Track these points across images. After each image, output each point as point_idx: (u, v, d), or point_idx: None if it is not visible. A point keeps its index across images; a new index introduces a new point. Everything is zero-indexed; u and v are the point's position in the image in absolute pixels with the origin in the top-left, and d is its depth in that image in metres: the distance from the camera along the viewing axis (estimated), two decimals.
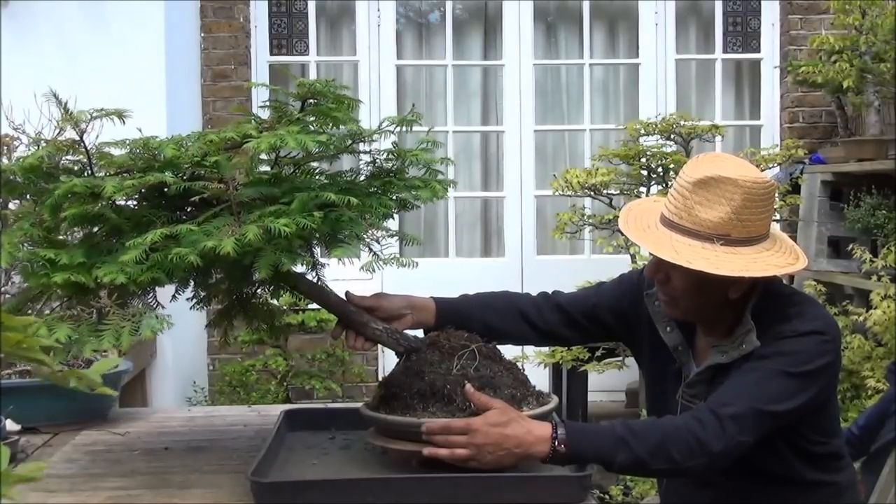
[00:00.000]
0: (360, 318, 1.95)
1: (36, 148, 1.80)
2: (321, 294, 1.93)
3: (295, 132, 1.70)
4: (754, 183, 1.85)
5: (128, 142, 1.78)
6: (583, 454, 1.78)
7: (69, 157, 1.81)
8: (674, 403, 2.02)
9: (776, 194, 1.93)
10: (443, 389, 1.81)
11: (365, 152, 1.97)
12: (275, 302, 2.08)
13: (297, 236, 1.64)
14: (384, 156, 1.96)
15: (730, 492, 1.98)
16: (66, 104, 1.75)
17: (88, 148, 1.78)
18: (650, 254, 1.96)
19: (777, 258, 1.91)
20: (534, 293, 2.18)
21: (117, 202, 1.75)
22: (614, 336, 2.24)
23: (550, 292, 2.18)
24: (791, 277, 4.77)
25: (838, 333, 1.96)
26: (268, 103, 1.92)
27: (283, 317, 2.12)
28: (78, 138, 1.75)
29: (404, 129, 1.94)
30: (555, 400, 1.91)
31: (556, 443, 1.76)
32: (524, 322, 2.12)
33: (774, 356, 1.87)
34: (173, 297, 1.92)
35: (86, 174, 1.78)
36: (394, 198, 1.89)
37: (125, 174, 1.72)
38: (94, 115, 1.74)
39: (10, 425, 2.09)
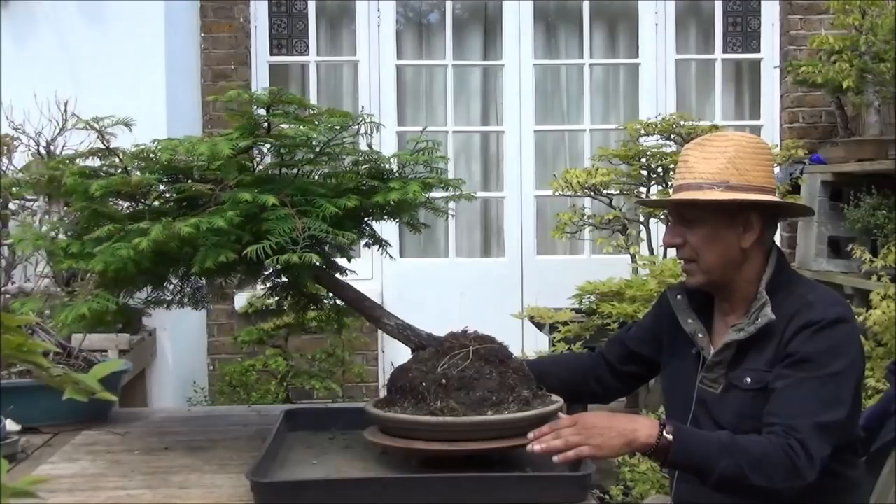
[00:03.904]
0: (373, 313, 2.00)
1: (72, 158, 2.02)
2: (340, 287, 2.02)
3: (219, 140, 1.85)
4: (743, 137, 2.10)
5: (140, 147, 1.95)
6: (689, 449, 1.83)
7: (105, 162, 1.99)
8: (692, 390, 2.09)
9: (772, 155, 2.17)
10: (418, 387, 1.82)
11: (339, 157, 2.05)
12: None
13: (227, 233, 1.78)
14: (361, 157, 2.05)
15: None
16: (97, 120, 1.93)
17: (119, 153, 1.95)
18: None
19: (791, 203, 2.05)
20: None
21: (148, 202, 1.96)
22: (653, 361, 2.30)
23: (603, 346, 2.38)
24: None
25: (852, 312, 2.08)
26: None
27: (346, 314, 2.31)
28: (104, 146, 1.94)
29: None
30: (545, 407, 1.88)
31: (665, 431, 1.82)
32: (592, 379, 2.29)
33: (817, 358, 1.93)
34: (225, 287, 2.13)
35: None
36: (376, 199, 1.92)
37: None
38: (107, 125, 1.93)
39: (10, 425, 2.09)
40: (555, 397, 1.94)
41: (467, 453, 1.79)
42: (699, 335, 2.11)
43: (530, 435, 1.79)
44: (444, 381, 1.82)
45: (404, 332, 1.96)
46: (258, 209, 1.81)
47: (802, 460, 1.84)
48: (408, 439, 1.82)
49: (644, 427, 1.83)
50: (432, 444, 1.80)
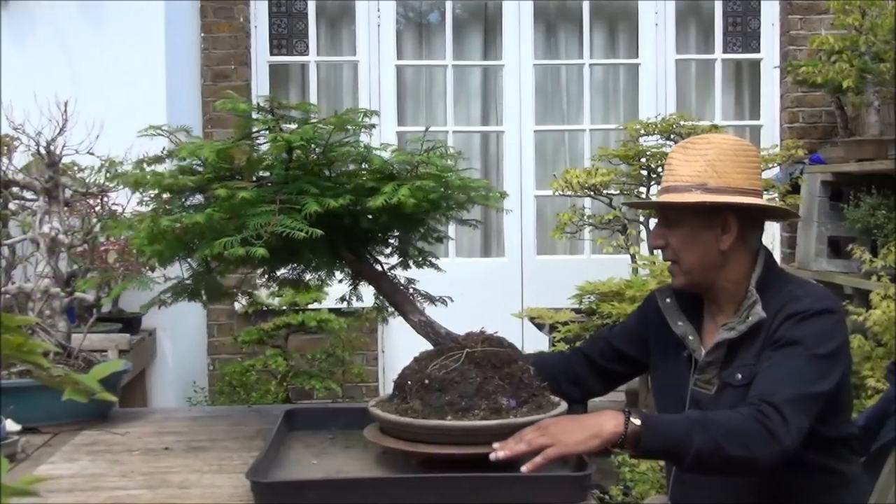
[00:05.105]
0: (403, 307, 2.06)
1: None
2: (377, 278, 2.10)
3: (210, 146, 1.96)
4: (724, 140, 2.11)
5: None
6: (659, 431, 1.81)
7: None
8: (685, 393, 2.09)
9: (758, 157, 2.17)
10: (405, 385, 1.84)
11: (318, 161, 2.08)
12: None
13: (209, 229, 1.89)
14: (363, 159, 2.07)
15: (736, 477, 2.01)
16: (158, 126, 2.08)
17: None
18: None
19: (761, 204, 2.09)
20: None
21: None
22: (637, 361, 2.30)
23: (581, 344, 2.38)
24: None
25: (842, 308, 2.09)
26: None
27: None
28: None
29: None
30: (518, 419, 1.82)
31: (630, 416, 1.80)
32: (564, 381, 2.25)
33: (801, 340, 1.93)
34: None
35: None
36: (369, 202, 1.94)
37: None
38: (173, 131, 2.10)
39: (10, 425, 2.09)
40: (562, 406, 1.90)
41: (423, 457, 1.79)
42: (690, 337, 2.11)
43: (495, 445, 1.75)
44: (426, 381, 1.82)
45: (426, 329, 2.00)
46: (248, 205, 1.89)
47: (776, 424, 1.81)
48: (384, 436, 1.86)
49: (610, 417, 1.80)
50: (398, 444, 1.82)
